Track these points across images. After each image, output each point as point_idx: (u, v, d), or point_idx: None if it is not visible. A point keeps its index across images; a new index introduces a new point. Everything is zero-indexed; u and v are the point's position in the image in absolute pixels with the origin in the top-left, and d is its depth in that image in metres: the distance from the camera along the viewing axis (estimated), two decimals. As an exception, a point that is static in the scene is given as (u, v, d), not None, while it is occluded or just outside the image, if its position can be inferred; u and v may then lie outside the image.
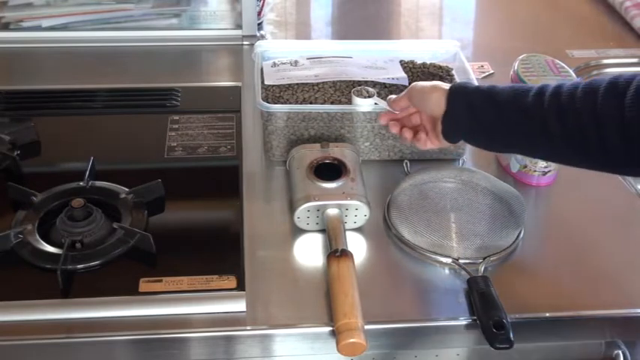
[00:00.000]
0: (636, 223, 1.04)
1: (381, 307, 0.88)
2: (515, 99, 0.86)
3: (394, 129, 1.00)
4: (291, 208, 0.97)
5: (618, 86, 0.79)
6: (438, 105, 0.93)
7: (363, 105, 1.05)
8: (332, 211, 0.95)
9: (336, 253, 0.89)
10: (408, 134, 0.98)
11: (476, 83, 0.98)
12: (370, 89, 1.07)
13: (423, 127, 0.98)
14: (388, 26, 1.60)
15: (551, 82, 0.90)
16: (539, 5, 1.65)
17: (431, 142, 0.97)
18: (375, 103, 1.04)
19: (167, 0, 1.47)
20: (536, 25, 1.57)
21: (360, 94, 1.05)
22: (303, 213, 0.95)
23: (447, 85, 0.94)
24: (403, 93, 0.99)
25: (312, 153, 1.01)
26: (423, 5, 1.67)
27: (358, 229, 0.98)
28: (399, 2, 1.68)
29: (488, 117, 0.88)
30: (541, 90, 0.85)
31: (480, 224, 0.96)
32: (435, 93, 0.93)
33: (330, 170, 0.99)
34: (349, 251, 0.89)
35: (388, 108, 1.01)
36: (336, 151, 1.01)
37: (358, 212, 0.96)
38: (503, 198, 1.00)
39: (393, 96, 1.01)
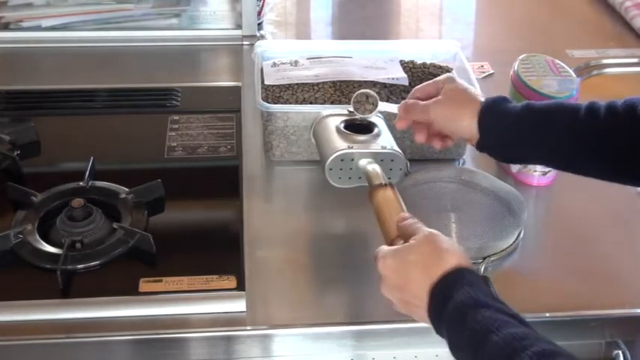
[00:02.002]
0: (636, 223, 1.04)
1: (381, 307, 0.88)
2: (559, 118, 0.85)
3: (421, 138, 0.94)
4: (322, 160, 0.93)
5: None
6: (469, 133, 0.89)
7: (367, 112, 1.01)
8: (366, 160, 0.90)
9: (381, 184, 0.85)
10: (436, 143, 0.95)
11: (507, 101, 0.90)
12: (372, 95, 0.96)
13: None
14: (388, 26, 1.60)
15: (552, 82, 0.90)
16: (540, 5, 1.65)
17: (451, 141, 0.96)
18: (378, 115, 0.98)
19: (167, 0, 1.47)
20: (536, 25, 1.57)
21: (360, 109, 0.97)
22: (336, 163, 0.90)
23: (472, 108, 0.88)
24: (423, 109, 0.92)
25: (339, 117, 0.98)
26: (423, 5, 1.67)
27: (357, 230, 0.98)
28: (399, 2, 1.68)
29: (530, 144, 0.87)
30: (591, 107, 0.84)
31: (480, 224, 0.96)
32: (463, 120, 0.89)
33: (359, 130, 0.94)
34: (393, 184, 0.86)
35: (395, 112, 0.95)
36: (364, 115, 0.97)
37: (394, 165, 0.91)
38: (503, 198, 1.00)
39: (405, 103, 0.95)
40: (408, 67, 1.18)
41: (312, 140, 1.04)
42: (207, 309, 0.85)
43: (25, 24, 1.41)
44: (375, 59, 1.19)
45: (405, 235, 0.78)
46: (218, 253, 0.93)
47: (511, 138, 0.88)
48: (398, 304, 0.77)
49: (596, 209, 1.04)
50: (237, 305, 0.86)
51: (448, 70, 1.17)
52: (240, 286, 0.87)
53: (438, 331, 0.73)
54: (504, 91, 1.06)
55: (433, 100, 0.92)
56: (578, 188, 1.07)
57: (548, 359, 0.64)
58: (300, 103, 1.09)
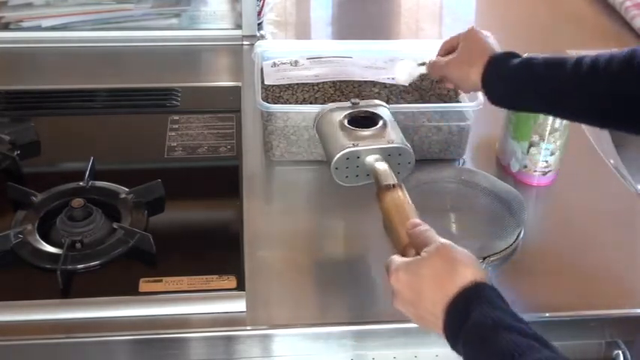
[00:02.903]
0: (636, 222, 1.04)
1: (381, 307, 0.88)
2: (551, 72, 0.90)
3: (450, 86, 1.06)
4: (328, 160, 0.91)
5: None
6: (477, 88, 0.97)
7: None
8: (373, 157, 0.88)
9: (389, 186, 0.83)
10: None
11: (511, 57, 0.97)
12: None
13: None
14: (388, 26, 1.60)
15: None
16: (539, 5, 1.65)
17: None
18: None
19: (167, 0, 1.47)
20: (536, 25, 1.57)
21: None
22: (342, 162, 0.88)
23: (480, 64, 0.95)
24: (440, 63, 1.03)
25: (342, 110, 0.96)
26: (423, 5, 1.67)
27: (358, 230, 0.98)
28: (399, 2, 1.68)
29: (527, 95, 0.93)
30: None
31: (480, 224, 0.96)
32: (470, 79, 0.96)
33: (364, 124, 0.92)
34: (401, 184, 0.84)
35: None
36: (367, 105, 0.96)
37: (402, 159, 0.89)
38: (503, 198, 1.00)
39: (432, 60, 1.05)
40: (408, 67, 1.18)
41: (316, 136, 1.02)
42: (207, 309, 0.85)
43: (25, 24, 1.41)
44: (375, 59, 1.19)
45: (417, 245, 0.76)
46: (218, 253, 0.93)
47: (511, 92, 0.94)
48: (412, 318, 0.75)
49: (596, 209, 1.04)
50: (237, 305, 0.86)
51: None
52: (240, 286, 0.87)
53: (454, 348, 0.71)
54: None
55: (448, 57, 1.01)
56: (578, 188, 1.07)
57: None
58: (300, 103, 1.09)
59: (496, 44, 0.99)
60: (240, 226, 0.97)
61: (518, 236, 0.96)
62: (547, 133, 1.02)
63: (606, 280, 0.92)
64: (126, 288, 0.87)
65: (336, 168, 0.89)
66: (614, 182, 1.09)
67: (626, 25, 1.53)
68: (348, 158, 0.88)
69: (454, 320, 0.70)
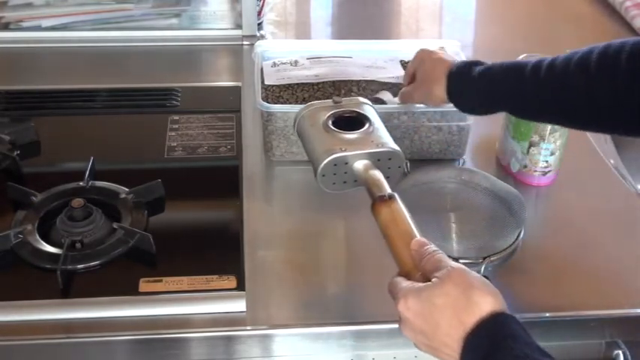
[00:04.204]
0: (636, 222, 1.04)
1: (381, 307, 0.88)
2: (513, 75, 0.91)
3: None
4: (314, 166, 0.84)
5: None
6: (444, 102, 0.98)
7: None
8: (362, 163, 0.82)
9: (383, 198, 0.77)
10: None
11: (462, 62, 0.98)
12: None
13: None
14: (388, 26, 1.60)
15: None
16: (539, 5, 1.65)
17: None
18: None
19: (167, 0, 1.47)
20: (536, 25, 1.57)
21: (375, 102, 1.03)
22: (329, 168, 0.82)
23: (441, 83, 0.96)
24: (406, 94, 1.04)
25: (325, 109, 0.88)
26: (423, 5, 1.67)
27: (358, 230, 0.98)
28: (399, 2, 1.68)
29: (495, 101, 0.94)
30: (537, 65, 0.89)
31: (480, 224, 0.96)
32: (437, 97, 0.98)
33: (348, 126, 0.86)
34: (395, 194, 0.78)
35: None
36: (351, 104, 0.90)
37: (392, 163, 0.84)
38: (503, 198, 1.00)
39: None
40: (408, 67, 1.18)
41: (298, 137, 0.94)
42: (207, 309, 0.85)
43: (25, 24, 1.41)
44: (375, 59, 1.19)
45: (424, 268, 0.71)
46: (218, 253, 0.93)
47: (481, 101, 0.95)
48: (422, 348, 0.71)
49: (596, 209, 1.04)
50: (237, 305, 0.86)
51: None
52: (240, 286, 0.87)
53: None
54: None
55: (410, 86, 1.04)
56: (578, 188, 1.07)
57: None
58: (300, 103, 1.09)
59: (451, 55, 1.02)
60: (240, 226, 0.97)
61: (518, 236, 0.96)
62: (547, 133, 1.02)
63: (606, 280, 0.92)
64: (126, 288, 0.87)
65: (323, 175, 0.82)
66: (614, 182, 1.09)
67: (626, 25, 1.53)
68: (335, 164, 0.82)
69: (474, 356, 0.66)
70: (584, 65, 0.84)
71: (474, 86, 0.93)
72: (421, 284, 0.69)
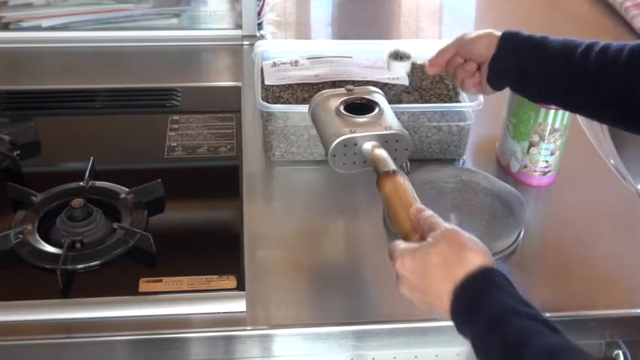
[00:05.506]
0: (636, 223, 1.04)
1: (381, 307, 0.88)
2: (564, 52, 0.89)
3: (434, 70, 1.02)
4: (325, 148, 0.89)
5: None
6: (486, 48, 0.94)
7: (400, 69, 1.06)
8: (370, 144, 0.87)
9: (388, 172, 0.82)
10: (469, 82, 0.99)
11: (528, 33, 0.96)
12: (406, 52, 1.05)
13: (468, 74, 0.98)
14: (388, 26, 1.60)
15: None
16: (539, 5, 1.65)
17: (475, 89, 0.99)
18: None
19: (167, 0, 1.47)
20: (536, 25, 1.56)
21: (396, 57, 1.04)
22: (339, 149, 0.87)
23: (498, 32, 0.94)
24: (449, 44, 1.00)
25: (337, 96, 0.94)
26: (423, 5, 1.67)
27: (358, 230, 0.98)
28: (399, 2, 1.68)
29: (534, 66, 0.91)
30: (589, 46, 0.88)
31: (480, 224, 0.96)
32: (485, 38, 0.95)
33: (359, 111, 0.91)
34: (399, 170, 0.83)
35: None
36: (363, 92, 0.95)
37: (399, 146, 0.89)
38: (503, 198, 1.00)
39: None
40: (408, 67, 1.18)
41: (317, 136, 0.99)
42: (207, 309, 0.85)
43: (25, 24, 1.41)
44: (375, 59, 1.19)
45: (421, 230, 0.75)
46: (218, 253, 0.93)
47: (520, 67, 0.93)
48: (418, 304, 0.75)
49: (596, 209, 1.04)
50: (237, 305, 0.86)
51: (448, 70, 1.17)
52: (240, 286, 0.87)
53: (461, 332, 0.72)
54: (504, 90, 1.06)
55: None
56: (578, 188, 1.07)
57: None
58: (300, 103, 1.09)
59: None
60: (240, 226, 0.97)
61: (518, 236, 0.96)
62: (547, 133, 1.02)
63: (606, 280, 0.92)
64: (126, 288, 0.87)
65: (334, 155, 0.88)
66: (614, 182, 1.09)
67: (626, 25, 1.53)
68: (345, 145, 0.87)
69: (463, 306, 0.70)
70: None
71: (529, 43, 0.92)
72: (416, 244, 0.74)
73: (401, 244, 0.75)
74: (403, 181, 0.81)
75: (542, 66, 0.91)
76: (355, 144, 0.88)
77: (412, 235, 0.76)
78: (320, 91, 1.10)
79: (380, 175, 0.83)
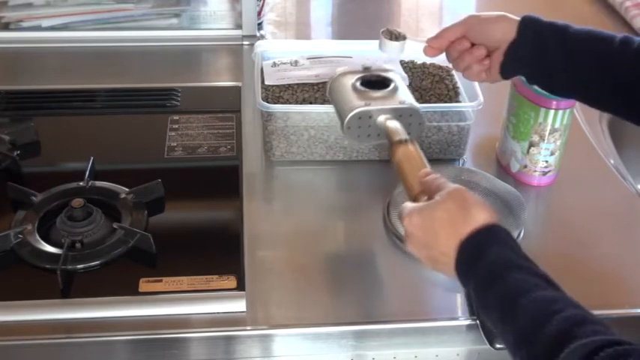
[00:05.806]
0: (636, 223, 1.04)
1: (381, 307, 0.88)
2: (590, 42, 0.88)
3: (460, 64, 0.96)
4: (340, 119, 0.92)
5: None
6: (503, 33, 0.90)
7: (394, 49, 1.02)
8: (384, 117, 0.89)
9: (400, 141, 0.85)
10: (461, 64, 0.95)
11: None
12: (401, 32, 1.03)
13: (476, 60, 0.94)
14: (388, 26, 1.60)
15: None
16: (539, 5, 1.64)
17: (480, 76, 0.95)
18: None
19: (167, 0, 1.47)
20: (536, 25, 1.57)
21: (389, 36, 1.02)
22: (354, 121, 0.90)
23: (514, 17, 0.91)
24: (456, 24, 0.96)
25: (354, 74, 0.96)
26: (423, 5, 1.66)
27: (358, 230, 0.98)
28: (399, 2, 1.68)
29: (557, 54, 0.89)
30: (624, 40, 0.86)
31: (480, 224, 0.96)
32: (502, 22, 0.91)
33: (376, 87, 0.94)
34: (411, 138, 0.86)
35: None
36: (379, 70, 0.98)
37: (412, 120, 0.90)
38: (503, 198, 1.00)
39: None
40: (408, 67, 1.18)
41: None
42: (207, 309, 0.85)
43: (25, 24, 1.41)
44: (375, 59, 1.19)
45: (429, 191, 0.78)
46: (218, 253, 0.93)
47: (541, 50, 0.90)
48: (424, 261, 0.78)
49: (596, 209, 1.04)
50: (237, 305, 0.86)
51: (448, 70, 1.17)
52: (240, 286, 0.87)
53: (465, 286, 0.74)
54: (504, 90, 1.07)
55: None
56: (578, 188, 1.07)
57: (577, 325, 0.65)
58: (300, 103, 1.09)
59: None
60: (240, 226, 0.97)
61: (518, 236, 0.96)
62: (547, 133, 1.02)
63: (606, 280, 0.92)
64: (126, 288, 0.87)
65: (349, 127, 0.90)
66: (614, 182, 1.09)
67: (626, 25, 1.53)
68: (360, 118, 0.90)
69: (466, 259, 0.72)
70: None
71: (552, 29, 0.90)
72: (425, 202, 0.77)
73: (409, 204, 0.78)
74: (415, 148, 0.84)
75: (566, 54, 0.88)
76: (370, 117, 0.90)
77: (421, 197, 0.79)
78: (320, 91, 1.11)
79: (392, 144, 0.85)
